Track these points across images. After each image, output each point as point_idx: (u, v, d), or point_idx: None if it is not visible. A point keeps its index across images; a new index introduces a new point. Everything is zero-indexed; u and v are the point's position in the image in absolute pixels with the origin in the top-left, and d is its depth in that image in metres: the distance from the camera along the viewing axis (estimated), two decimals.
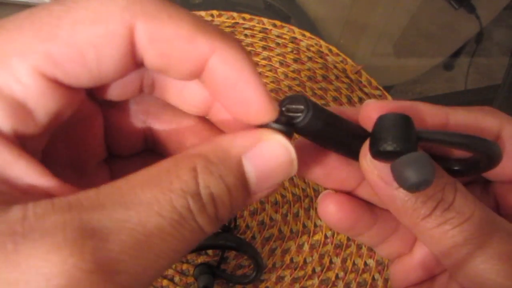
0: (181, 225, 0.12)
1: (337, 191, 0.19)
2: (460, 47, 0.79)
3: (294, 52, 0.52)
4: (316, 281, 0.40)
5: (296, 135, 0.15)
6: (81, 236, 0.10)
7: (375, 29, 0.69)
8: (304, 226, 0.42)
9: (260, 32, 0.53)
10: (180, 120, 0.17)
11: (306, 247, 0.41)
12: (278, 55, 0.52)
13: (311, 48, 0.53)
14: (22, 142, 0.12)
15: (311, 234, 0.42)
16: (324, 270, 0.40)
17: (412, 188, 0.14)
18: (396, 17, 0.70)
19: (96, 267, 0.10)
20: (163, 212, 0.12)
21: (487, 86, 0.80)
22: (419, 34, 0.74)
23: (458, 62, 0.84)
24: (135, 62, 0.13)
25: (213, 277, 0.37)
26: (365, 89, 0.51)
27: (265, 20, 0.54)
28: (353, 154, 0.17)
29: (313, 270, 0.40)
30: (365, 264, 0.41)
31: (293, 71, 0.51)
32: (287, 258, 0.41)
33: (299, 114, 0.14)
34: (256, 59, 0.51)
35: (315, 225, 0.42)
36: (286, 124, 0.14)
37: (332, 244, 0.42)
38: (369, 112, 0.16)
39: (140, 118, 0.17)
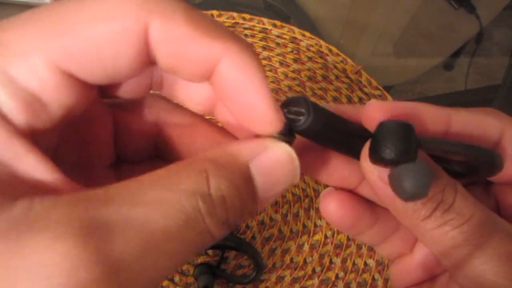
0: (189, 226, 0.12)
1: (338, 189, 0.19)
2: (460, 47, 0.79)
3: (294, 52, 0.52)
4: (316, 281, 0.40)
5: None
6: (86, 228, 0.10)
7: (375, 29, 0.69)
8: (304, 226, 0.42)
9: (260, 32, 0.53)
10: (190, 124, 0.17)
11: (306, 247, 0.41)
12: (278, 55, 0.52)
13: (311, 48, 0.53)
14: (35, 137, 0.12)
15: (311, 234, 0.42)
16: (324, 270, 0.40)
17: (408, 198, 0.14)
18: (396, 17, 0.70)
19: (99, 260, 0.10)
20: (171, 211, 0.11)
21: (487, 86, 0.80)
22: (419, 34, 0.74)
23: (458, 62, 0.84)
24: (148, 61, 0.13)
25: (213, 277, 0.37)
26: (365, 89, 0.51)
27: (265, 20, 0.54)
28: (354, 153, 0.17)
29: (313, 270, 0.40)
30: (365, 264, 0.41)
31: (293, 71, 0.51)
32: (287, 258, 0.41)
33: (300, 118, 0.14)
34: None
35: (315, 225, 0.42)
36: (287, 130, 0.14)
37: (332, 244, 0.42)
38: (372, 113, 0.16)
39: (150, 121, 0.17)
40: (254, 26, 0.54)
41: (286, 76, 0.51)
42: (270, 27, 0.54)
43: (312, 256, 0.41)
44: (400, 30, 0.71)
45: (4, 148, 0.11)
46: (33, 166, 0.12)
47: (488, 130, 0.17)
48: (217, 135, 0.17)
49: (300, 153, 0.14)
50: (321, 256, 0.41)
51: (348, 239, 0.42)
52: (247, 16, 0.54)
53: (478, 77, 0.86)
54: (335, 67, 0.52)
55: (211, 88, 0.15)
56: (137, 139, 0.17)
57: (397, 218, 0.17)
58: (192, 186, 0.12)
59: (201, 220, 0.12)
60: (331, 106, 0.17)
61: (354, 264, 0.41)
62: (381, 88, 0.51)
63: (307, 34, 0.54)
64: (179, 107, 0.17)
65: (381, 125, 0.15)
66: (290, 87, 0.50)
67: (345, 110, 0.17)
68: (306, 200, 0.43)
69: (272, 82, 0.50)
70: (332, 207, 0.18)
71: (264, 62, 0.51)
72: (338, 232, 0.42)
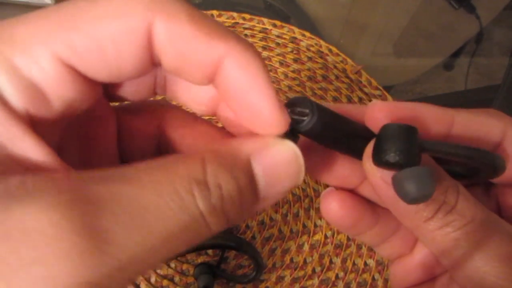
0: (181, 209, 0.12)
1: (339, 188, 0.19)
2: (460, 47, 0.79)
3: (294, 52, 0.52)
4: (316, 281, 0.40)
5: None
6: (74, 201, 0.10)
7: (375, 29, 0.69)
8: (304, 226, 0.42)
9: (260, 32, 0.53)
10: (193, 127, 0.17)
11: (306, 247, 0.41)
12: (278, 55, 0.52)
13: (311, 48, 0.53)
14: (36, 127, 0.12)
15: (311, 234, 0.42)
16: (324, 270, 0.40)
17: (411, 201, 0.14)
18: (396, 17, 0.70)
19: (83, 231, 0.10)
20: (163, 191, 0.11)
21: (487, 86, 0.80)
22: (419, 34, 0.74)
23: (458, 62, 0.84)
24: (152, 62, 0.13)
25: (213, 277, 0.37)
26: (365, 89, 0.51)
27: (265, 20, 0.54)
28: (356, 154, 0.17)
29: (313, 270, 0.40)
30: (365, 264, 0.41)
31: (293, 71, 0.51)
32: (287, 258, 0.41)
33: (304, 118, 0.14)
34: None
35: (315, 225, 0.42)
36: (290, 130, 0.14)
37: (332, 244, 0.42)
38: (375, 114, 0.16)
39: (153, 123, 0.17)
40: (254, 26, 0.54)
41: (286, 76, 0.51)
42: (270, 27, 0.54)
43: (312, 256, 0.41)
44: (400, 30, 0.71)
45: (1, 130, 0.12)
46: (29, 148, 0.12)
47: (490, 131, 0.17)
48: (219, 138, 0.17)
49: (302, 152, 0.14)
50: (321, 256, 0.41)
51: (348, 239, 0.42)
52: (247, 16, 0.54)
53: (478, 77, 0.86)
54: (335, 67, 0.52)
55: (215, 89, 0.15)
56: (140, 141, 0.17)
57: (398, 219, 0.17)
58: (188, 171, 0.12)
59: (194, 205, 0.12)
60: (334, 106, 0.17)
61: (354, 264, 0.41)
62: (381, 88, 0.51)
63: (307, 34, 0.54)
64: (182, 110, 0.17)
65: (385, 128, 0.15)
66: (290, 87, 0.50)
67: (348, 109, 0.17)
68: (306, 200, 0.43)
69: (272, 82, 0.50)
70: (333, 207, 0.18)
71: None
72: (338, 232, 0.42)
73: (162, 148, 0.18)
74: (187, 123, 0.17)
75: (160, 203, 0.11)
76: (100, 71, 0.13)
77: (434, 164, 0.16)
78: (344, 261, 0.41)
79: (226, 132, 0.17)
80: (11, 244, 0.10)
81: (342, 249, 0.42)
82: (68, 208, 0.10)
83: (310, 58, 0.52)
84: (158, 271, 0.39)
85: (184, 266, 0.39)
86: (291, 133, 0.14)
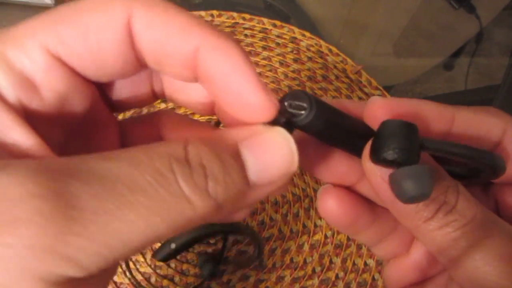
0: (159, 183, 0.11)
1: (336, 185, 0.18)
2: (460, 47, 0.79)
3: (294, 52, 0.52)
4: (316, 281, 0.40)
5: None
6: (44, 169, 0.11)
7: (375, 29, 0.69)
8: (304, 226, 0.42)
9: (260, 32, 0.53)
10: (190, 130, 0.17)
11: (306, 247, 0.41)
12: (278, 55, 0.52)
13: (311, 48, 0.53)
14: (32, 119, 0.13)
15: (311, 234, 0.42)
16: (324, 270, 0.40)
17: (408, 201, 0.14)
18: (396, 17, 0.70)
19: (50, 195, 0.10)
20: (141, 165, 0.11)
21: (487, 86, 0.80)
22: (419, 34, 0.74)
23: (458, 62, 0.84)
24: (138, 59, 0.14)
25: (218, 265, 0.37)
26: (365, 89, 0.51)
27: (265, 20, 0.54)
28: (355, 151, 0.16)
29: (313, 270, 0.40)
30: (365, 264, 0.41)
31: (293, 71, 0.51)
32: (287, 258, 0.41)
33: (301, 112, 0.14)
34: (256, 59, 0.51)
35: (315, 225, 0.42)
36: (286, 124, 0.14)
37: (332, 244, 0.42)
38: (375, 111, 0.16)
39: (155, 131, 0.17)
40: (254, 26, 0.54)
41: (286, 76, 0.51)
42: (270, 27, 0.54)
43: (312, 256, 0.41)
44: (400, 30, 0.71)
45: None
46: (19, 137, 0.12)
47: (490, 129, 0.17)
48: None
49: (298, 147, 0.14)
50: (321, 256, 0.41)
51: (348, 239, 0.42)
52: (247, 16, 0.54)
53: (478, 77, 0.86)
54: (335, 67, 0.52)
55: (201, 85, 0.15)
56: None
57: (397, 219, 0.17)
58: (168, 150, 0.12)
59: (174, 182, 0.11)
60: (333, 101, 0.16)
61: (354, 264, 0.41)
62: (381, 88, 0.51)
63: (307, 34, 0.54)
64: (186, 120, 0.17)
65: (384, 124, 0.15)
66: (290, 87, 0.50)
67: (347, 105, 0.17)
68: (306, 200, 0.43)
69: (272, 82, 0.50)
70: (330, 205, 0.18)
71: (264, 62, 0.51)
72: (338, 232, 0.42)
73: None
74: (184, 125, 0.17)
75: (136, 175, 0.11)
76: (84, 59, 0.13)
77: (434, 164, 0.16)
78: (344, 261, 0.41)
79: None
80: None
81: (342, 249, 0.41)
82: (37, 174, 0.10)
83: (310, 58, 0.52)
84: (158, 271, 0.39)
85: (184, 266, 0.39)
86: (287, 127, 0.14)
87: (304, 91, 0.14)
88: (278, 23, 0.54)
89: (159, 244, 0.38)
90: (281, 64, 0.51)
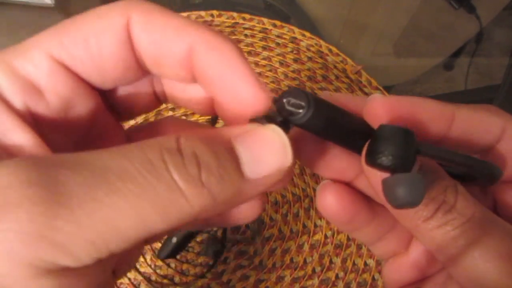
0: (150, 173, 0.11)
1: (336, 181, 0.18)
2: (460, 47, 0.79)
3: (294, 52, 0.52)
4: (316, 281, 0.40)
5: None
6: (35, 160, 0.11)
7: (375, 29, 0.69)
8: (304, 226, 0.42)
9: (260, 32, 0.53)
10: (190, 131, 0.18)
11: (306, 247, 0.41)
12: (278, 55, 0.52)
13: (311, 48, 0.53)
14: (38, 123, 0.13)
15: (311, 234, 0.42)
16: (324, 270, 0.40)
17: (398, 206, 0.14)
18: (396, 17, 0.70)
19: (39, 182, 0.10)
20: (132, 156, 0.11)
21: (487, 86, 0.80)
22: (419, 34, 0.74)
23: (458, 62, 0.84)
24: (139, 65, 0.15)
25: (222, 244, 0.39)
26: (365, 89, 0.51)
27: (265, 20, 0.54)
28: (355, 148, 0.16)
29: (313, 270, 0.40)
30: (365, 264, 0.41)
31: (293, 71, 0.51)
32: (287, 258, 0.41)
33: (300, 111, 0.14)
34: (256, 59, 0.51)
35: (315, 225, 0.42)
36: (283, 122, 0.14)
37: (332, 244, 0.42)
38: (375, 109, 0.16)
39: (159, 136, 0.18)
40: (254, 26, 0.54)
41: (286, 76, 0.51)
42: (270, 27, 0.54)
43: (312, 256, 0.41)
44: (400, 30, 0.71)
45: None
46: (21, 140, 0.13)
47: (490, 127, 0.17)
48: None
49: (296, 141, 0.14)
50: (321, 256, 0.41)
51: (348, 239, 0.42)
52: (247, 16, 0.54)
53: (478, 77, 0.86)
54: (335, 67, 0.52)
55: (200, 85, 0.15)
56: None
57: (396, 218, 0.17)
58: (159, 142, 0.12)
59: (164, 170, 0.11)
60: (333, 97, 0.16)
61: (354, 264, 0.41)
62: (381, 88, 0.51)
63: (307, 34, 0.54)
64: (191, 126, 0.18)
65: (381, 129, 0.15)
66: (290, 87, 0.50)
67: (347, 101, 0.17)
68: (306, 200, 0.43)
69: (272, 82, 0.50)
70: (329, 200, 0.18)
71: (264, 62, 0.51)
72: (338, 232, 0.42)
73: None
74: (185, 127, 0.18)
75: (126, 164, 0.11)
76: (88, 68, 0.14)
77: (434, 164, 0.16)
78: (344, 261, 0.41)
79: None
80: None
81: (342, 249, 0.42)
82: (28, 164, 0.11)
83: (310, 58, 0.52)
84: (158, 271, 0.39)
85: (184, 266, 0.39)
86: (284, 124, 0.14)
87: (302, 89, 0.14)
88: (278, 23, 0.54)
89: (159, 244, 0.39)
90: (281, 64, 0.51)
